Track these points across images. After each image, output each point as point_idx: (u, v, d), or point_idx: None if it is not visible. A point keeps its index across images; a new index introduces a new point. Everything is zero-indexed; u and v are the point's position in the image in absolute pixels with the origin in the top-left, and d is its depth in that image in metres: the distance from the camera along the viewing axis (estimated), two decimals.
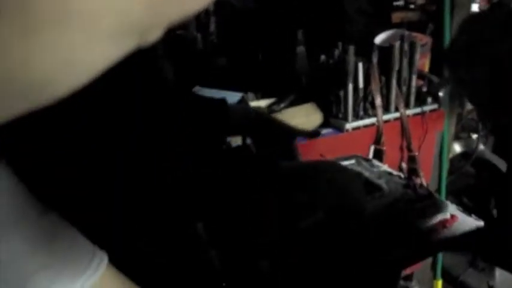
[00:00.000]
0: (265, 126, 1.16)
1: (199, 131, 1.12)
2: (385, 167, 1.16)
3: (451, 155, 1.89)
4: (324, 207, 0.86)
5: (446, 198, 1.76)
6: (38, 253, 0.53)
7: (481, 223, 1.03)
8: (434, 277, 1.88)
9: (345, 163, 1.21)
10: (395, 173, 1.14)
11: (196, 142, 0.90)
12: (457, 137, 1.95)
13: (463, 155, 1.92)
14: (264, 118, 1.20)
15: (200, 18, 2.01)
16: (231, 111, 1.19)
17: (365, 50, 1.58)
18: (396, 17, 1.97)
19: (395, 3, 2.11)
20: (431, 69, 1.71)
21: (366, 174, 1.13)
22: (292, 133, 1.24)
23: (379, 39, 1.67)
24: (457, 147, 1.94)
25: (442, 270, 2.08)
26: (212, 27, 2.15)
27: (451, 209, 1.05)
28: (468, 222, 1.03)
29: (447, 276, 2.08)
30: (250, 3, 2.06)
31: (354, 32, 1.71)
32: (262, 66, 1.75)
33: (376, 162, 1.20)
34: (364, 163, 1.20)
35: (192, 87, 1.51)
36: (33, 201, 0.55)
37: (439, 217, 1.00)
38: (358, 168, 1.17)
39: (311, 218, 0.86)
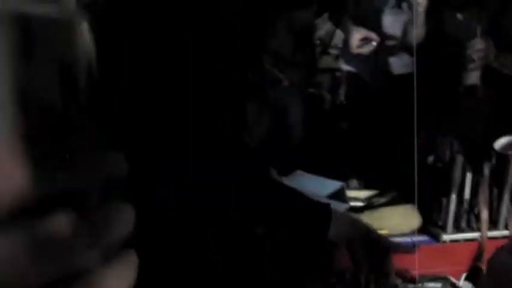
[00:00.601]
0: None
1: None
2: None
3: None
4: None
5: None
6: None
7: None
8: None
9: (429, 285, 1.15)
10: None
11: None
12: None
13: None
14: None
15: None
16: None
17: (479, 154, 1.49)
18: None
19: None
20: None
21: None
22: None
23: (499, 144, 1.55)
24: None
25: None
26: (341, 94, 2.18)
27: None
28: None
29: None
30: (381, 79, 2.06)
31: (470, 131, 1.62)
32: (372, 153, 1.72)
33: None
34: None
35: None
36: None
37: None
38: None
39: None
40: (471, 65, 1.97)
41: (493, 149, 1.53)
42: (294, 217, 1.02)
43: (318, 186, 1.54)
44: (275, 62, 1.56)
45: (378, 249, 1.05)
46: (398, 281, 1.13)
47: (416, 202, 1.49)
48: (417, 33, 1.96)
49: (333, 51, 2.51)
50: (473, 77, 1.99)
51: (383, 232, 1.42)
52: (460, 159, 1.34)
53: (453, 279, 1.16)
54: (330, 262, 0.98)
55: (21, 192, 0.19)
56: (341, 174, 1.60)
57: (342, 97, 2.23)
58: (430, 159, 1.50)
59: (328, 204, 1.06)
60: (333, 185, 1.55)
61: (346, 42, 2.18)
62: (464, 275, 1.15)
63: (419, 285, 1.15)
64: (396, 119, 1.67)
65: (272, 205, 1.02)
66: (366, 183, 1.66)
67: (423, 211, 1.46)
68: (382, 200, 1.53)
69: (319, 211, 1.03)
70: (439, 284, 1.15)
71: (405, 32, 2.13)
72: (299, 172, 1.54)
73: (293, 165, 1.55)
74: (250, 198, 0.95)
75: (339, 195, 1.52)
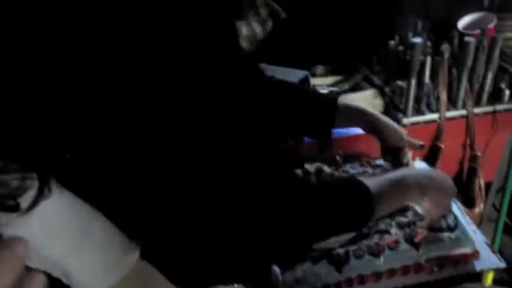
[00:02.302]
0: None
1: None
2: None
3: None
4: None
5: (510, 202, 1.69)
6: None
7: (502, 265, 1.01)
8: None
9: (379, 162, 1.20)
10: None
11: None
12: None
13: None
14: None
15: None
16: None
17: (443, 34, 1.49)
18: None
19: None
20: None
21: None
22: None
23: (462, 23, 1.54)
24: None
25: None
26: None
27: (478, 242, 1.03)
28: (489, 261, 1.01)
29: (506, 266, 2.03)
30: None
31: (435, 11, 1.59)
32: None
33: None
34: None
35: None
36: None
37: (459, 250, 0.99)
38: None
39: None
40: None
41: (455, 29, 1.53)
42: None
43: (283, 77, 1.54)
44: None
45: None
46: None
47: (378, 87, 1.52)
48: None
49: None
50: None
51: None
52: (420, 42, 1.34)
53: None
54: None
55: None
56: (306, 63, 1.60)
57: None
58: (392, 42, 1.50)
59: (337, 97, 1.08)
60: (298, 73, 1.55)
61: None
62: (418, 159, 1.20)
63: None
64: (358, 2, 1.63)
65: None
66: (332, 69, 1.67)
67: (385, 95, 1.49)
68: (347, 85, 1.54)
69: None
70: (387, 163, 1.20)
71: None
72: (262, 65, 1.53)
73: (256, 58, 1.53)
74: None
75: (304, 84, 1.53)
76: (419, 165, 1.23)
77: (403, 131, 1.09)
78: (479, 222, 1.62)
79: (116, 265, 0.68)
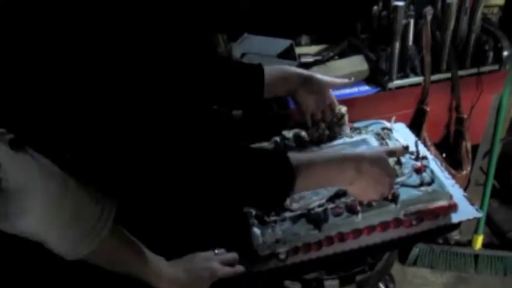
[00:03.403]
0: None
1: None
2: (401, 141, 1.15)
3: None
4: None
5: (497, 163, 1.71)
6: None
7: (480, 214, 1.02)
8: (476, 231, 1.87)
9: (369, 128, 1.21)
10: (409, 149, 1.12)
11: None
12: None
13: None
14: None
15: None
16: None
17: None
18: None
19: None
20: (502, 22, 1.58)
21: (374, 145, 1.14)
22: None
23: None
24: None
25: (492, 224, 2.05)
26: None
27: (457, 195, 1.04)
28: (467, 212, 1.02)
29: (495, 230, 2.06)
30: None
31: None
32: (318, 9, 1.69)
33: (396, 134, 1.18)
34: (382, 132, 1.19)
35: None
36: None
37: (436, 204, 1.00)
38: (373, 138, 1.16)
39: None
40: None
41: None
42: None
43: (267, 47, 1.55)
44: None
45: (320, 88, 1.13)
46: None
47: (363, 53, 1.52)
48: None
49: None
50: None
51: None
52: (402, 5, 1.34)
53: (386, 122, 1.22)
54: None
55: None
56: (290, 32, 1.60)
57: None
58: (375, 7, 1.50)
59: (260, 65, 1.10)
60: (282, 43, 1.55)
61: None
62: (393, 118, 1.21)
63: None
64: None
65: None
66: (317, 38, 1.66)
67: (371, 60, 1.49)
68: (332, 53, 1.54)
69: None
70: (374, 126, 1.21)
71: None
72: (246, 35, 1.53)
73: (240, 28, 1.53)
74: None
75: (289, 53, 1.54)
76: (398, 127, 1.24)
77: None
78: (467, 186, 1.64)
79: (88, 236, 0.69)
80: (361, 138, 1.18)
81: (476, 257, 1.93)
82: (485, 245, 1.94)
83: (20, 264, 0.71)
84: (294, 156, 0.79)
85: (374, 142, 1.15)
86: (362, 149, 0.94)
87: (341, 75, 1.47)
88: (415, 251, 1.93)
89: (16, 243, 0.66)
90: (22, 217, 0.62)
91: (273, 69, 1.09)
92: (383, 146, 1.07)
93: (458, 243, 1.96)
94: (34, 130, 0.64)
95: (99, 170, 0.69)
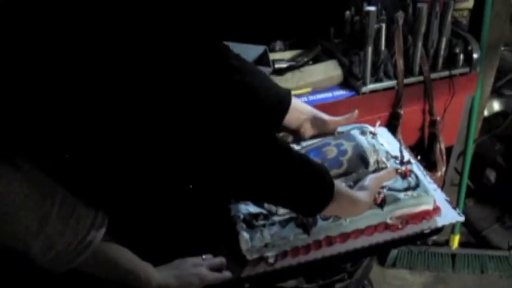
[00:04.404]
0: None
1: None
2: (385, 146, 1.16)
3: (487, 113, 1.82)
4: None
5: (471, 163, 1.74)
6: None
7: (462, 218, 1.04)
8: (453, 231, 1.90)
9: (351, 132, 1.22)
10: (393, 154, 1.14)
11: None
12: (499, 94, 1.85)
13: (501, 114, 1.83)
14: None
15: None
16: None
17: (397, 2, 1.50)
18: None
19: None
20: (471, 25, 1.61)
21: (363, 149, 1.14)
22: None
23: None
24: (496, 106, 1.85)
25: (468, 223, 2.08)
26: None
27: (439, 199, 1.05)
28: (449, 216, 1.04)
29: (471, 229, 2.09)
30: None
31: None
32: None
33: (380, 139, 1.19)
34: (367, 136, 1.20)
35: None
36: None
37: (421, 208, 1.02)
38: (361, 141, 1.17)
39: None
40: None
41: None
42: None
43: (241, 53, 1.54)
44: None
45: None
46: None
47: (337, 57, 1.53)
48: None
49: None
50: None
51: (307, 90, 1.47)
52: (374, 10, 1.35)
53: (370, 126, 1.23)
54: None
55: None
56: (264, 38, 1.60)
57: None
58: (348, 12, 1.51)
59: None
60: (256, 49, 1.55)
61: None
62: (378, 122, 1.22)
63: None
64: None
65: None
66: (290, 43, 1.67)
67: (344, 65, 1.50)
68: (306, 58, 1.55)
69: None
70: (358, 130, 1.21)
71: None
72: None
73: (213, 36, 1.52)
74: None
75: (263, 59, 1.53)
76: (381, 131, 1.25)
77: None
78: (442, 186, 1.65)
79: (78, 246, 0.69)
80: (347, 133, 1.19)
81: (453, 256, 1.96)
82: (462, 244, 1.97)
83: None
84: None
85: (358, 135, 1.16)
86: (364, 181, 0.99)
87: (315, 80, 1.48)
88: (393, 252, 1.94)
89: None
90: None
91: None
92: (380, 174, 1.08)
93: (435, 243, 1.98)
94: (34, 130, 0.64)
95: (98, 170, 0.69)
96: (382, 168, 1.06)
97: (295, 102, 1.17)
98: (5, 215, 0.62)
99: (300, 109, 1.17)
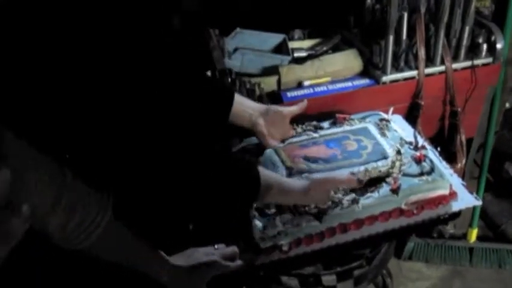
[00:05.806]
0: None
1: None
2: (399, 132, 1.15)
3: (508, 106, 1.79)
4: None
5: (491, 156, 1.71)
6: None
7: (479, 202, 1.03)
8: (470, 225, 1.87)
9: (367, 119, 1.21)
10: (408, 140, 1.12)
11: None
12: None
13: None
14: None
15: None
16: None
17: None
18: None
19: None
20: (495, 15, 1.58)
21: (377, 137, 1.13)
22: None
23: None
24: None
25: (486, 217, 2.05)
26: None
27: (456, 184, 1.04)
28: (466, 200, 1.03)
29: (490, 223, 2.06)
30: None
31: None
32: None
33: (394, 125, 1.18)
34: (381, 123, 1.19)
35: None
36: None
37: (437, 192, 1.00)
38: (372, 128, 1.16)
39: None
40: None
41: None
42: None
43: (260, 41, 1.53)
44: None
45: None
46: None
47: (356, 46, 1.51)
48: None
49: None
50: None
51: (326, 79, 1.46)
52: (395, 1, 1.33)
53: (383, 114, 1.22)
54: None
55: None
56: (283, 27, 1.59)
57: None
58: (369, 1, 1.49)
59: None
60: (275, 38, 1.54)
61: None
62: (391, 109, 1.21)
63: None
64: None
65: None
66: (310, 32, 1.65)
67: (364, 54, 1.49)
68: (325, 47, 1.53)
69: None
70: (371, 118, 1.20)
71: None
72: (238, 30, 1.51)
73: (233, 23, 1.52)
74: None
75: (282, 48, 1.52)
76: (395, 118, 1.24)
77: None
78: (461, 179, 1.63)
79: (88, 227, 0.69)
80: (362, 127, 1.17)
81: (471, 250, 1.93)
82: (479, 238, 1.95)
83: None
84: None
85: (374, 131, 1.15)
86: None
87: (334, 70, 1.47)
88: (410, 245, 1.92)
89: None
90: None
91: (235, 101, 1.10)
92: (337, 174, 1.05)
93: (453, 237, 1.96)
94: (34, 130, 0.63)
95: (97, 169, 0.70)
96: (401, 165, 1.05)
97: (241, 99, 1.11)
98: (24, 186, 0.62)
99: (247, 104, 1.12)
